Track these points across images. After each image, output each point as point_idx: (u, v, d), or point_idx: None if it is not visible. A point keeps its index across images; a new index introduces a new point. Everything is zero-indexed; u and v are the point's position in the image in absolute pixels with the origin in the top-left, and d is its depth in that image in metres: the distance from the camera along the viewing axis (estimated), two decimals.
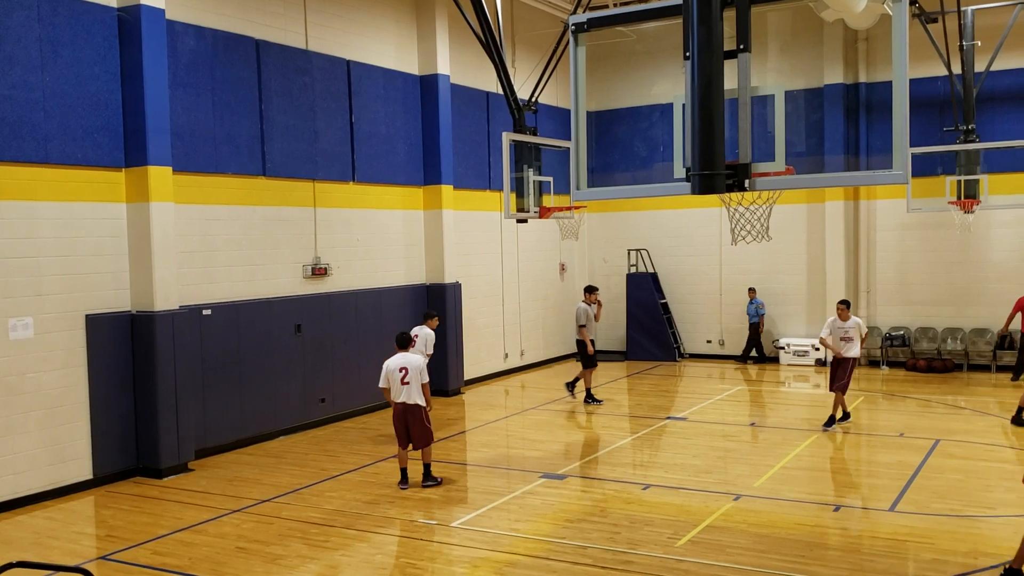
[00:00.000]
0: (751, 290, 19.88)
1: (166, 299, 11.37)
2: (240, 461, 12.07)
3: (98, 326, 10.97)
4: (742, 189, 5.53)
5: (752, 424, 13.88)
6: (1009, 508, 9.29)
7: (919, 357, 18.51)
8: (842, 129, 18.41)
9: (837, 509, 9.47)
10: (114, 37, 11.12)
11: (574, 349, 21.77)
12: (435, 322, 13.32)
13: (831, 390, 13.22)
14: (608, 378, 18.62)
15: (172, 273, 11.47)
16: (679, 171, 5.87)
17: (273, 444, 13.05)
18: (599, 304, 15.69)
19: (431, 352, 12.84)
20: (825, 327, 13.24)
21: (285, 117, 13.66)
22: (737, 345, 20.42)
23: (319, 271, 14.23)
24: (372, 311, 15.29)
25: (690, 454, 11.98)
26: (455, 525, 9.17)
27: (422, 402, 10.43)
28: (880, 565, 7.74)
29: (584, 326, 15.37)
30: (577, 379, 15.98)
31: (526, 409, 15.53)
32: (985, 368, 18.07)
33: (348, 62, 14.85)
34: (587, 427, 14.17)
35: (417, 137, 16.43)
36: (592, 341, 15.50)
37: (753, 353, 20.00)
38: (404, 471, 10.66)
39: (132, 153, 11.24)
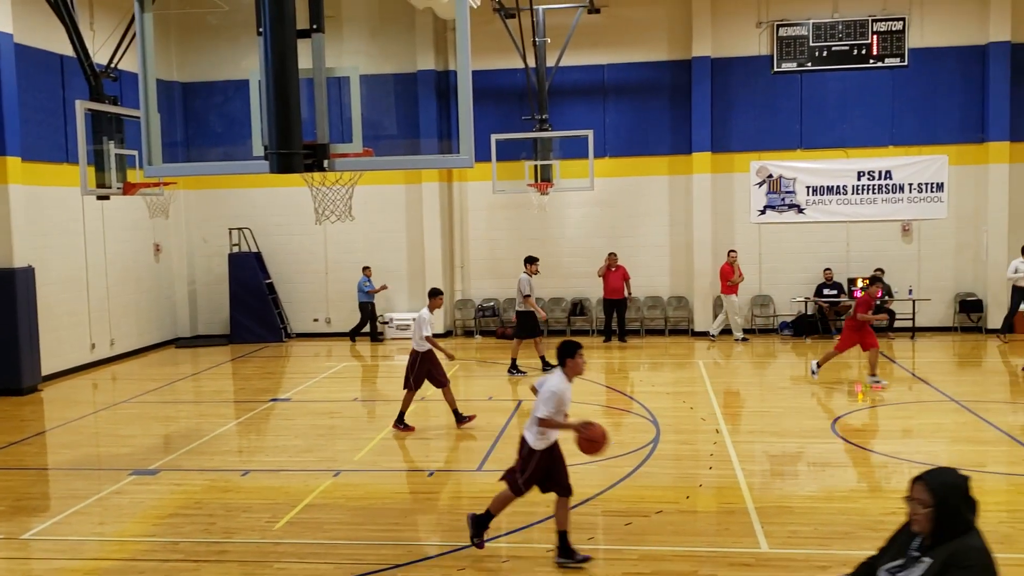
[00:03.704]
0: (366, 268, 20.08)
1: None
2: None
3: None
4: (321, 169, 5.57)
5: (355, 399, 14.15)
6: (577, 458, 10.40)
7: (507, 325, 20.13)
8: (435, 114, 19.32)
9: (431, 474, 10.01)
10: None
11: (174, 335, 20.66)
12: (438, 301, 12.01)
13: None
14: (210, 363, 17.89)
15: None
16: (259, 149, 5.75)
17: None
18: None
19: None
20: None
21: None
22: (343, 322, 20.66)
23: None
24: None
25: (293, 434, 11.93)
26: (27, 536, 8.26)
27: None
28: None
29: (529, 296, 15.50)
30: (541, 356, 15.86)
31: (117, 403, 14.40)
32: (561, 333, 20.16)
33: None
34: (186, 417, 13.48)
35: None
36: (529, 313, 15.60)
37: (367, 329, 20.23)
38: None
39: None
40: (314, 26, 5.40)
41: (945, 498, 3.58)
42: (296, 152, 5.43)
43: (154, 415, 13.48)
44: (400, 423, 11.75)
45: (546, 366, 15.68)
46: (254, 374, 16.74)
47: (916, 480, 3.69)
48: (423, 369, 11.63)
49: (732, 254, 18.68)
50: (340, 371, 16.82)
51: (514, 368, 15.68)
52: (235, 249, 20.52)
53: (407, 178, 20.06)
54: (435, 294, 11.84)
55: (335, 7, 16.02)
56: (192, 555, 7.67)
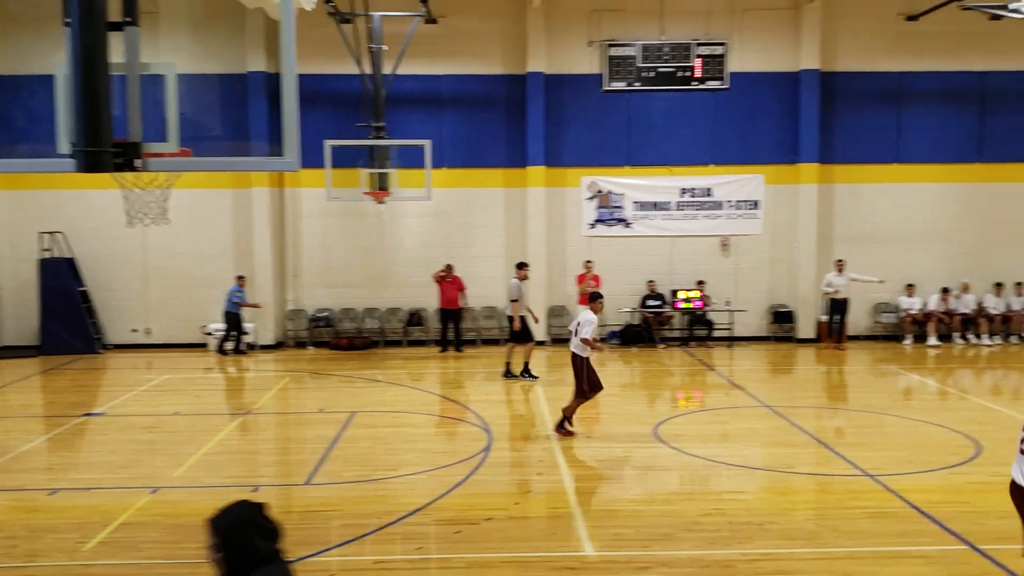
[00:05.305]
0: (240, 277, 19.11)
1: None
2: None
3: None
4: (132, 169, 5.27)
5: (176, 413, 13.50)
6: (409, 468, 10.40)
7: (342, 336, 19.81)
8: (266, 117, 18.70)
9: (256, 489, 9.66)
10: None
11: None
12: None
13: None
14: (17, 375, 16.64)
15: None
16: (65, 146, 5.40)
17: None
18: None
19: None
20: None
21: None
22: (164, 332, 19.74)
23: None
24: None
25: (107, 450, 11.25)
26: None
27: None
28: (294, 537, 8.04)
29: (516, 300, 15.50)
30: (524, 362, 15.73)
31: None
32: (398, 343, 20.03)
33: None
34: None
35: None
36: (522, 317, 15.59)
37: (229, 346, 19.02)
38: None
39: None
40: (127, 19, 5.12)
41: (233, 535, 3.40)
42: (105, 150, 5.12)
43: None
44: (561, 427, 11.73)
45: (526, 374, 15.69)
46: (66, 387, 15.70)
47: (207, 522, 3.47)
48: (593, 373, 11.56)
49: (587, 264, 19.06)
50: (160, 384, 16.00)
51: (508, 373, 15.82)
52: (46, 254, 19.19)
53: (235, 182, 19.39)
54: (596, 297, 11.96)
55: (153, 2, 15.20)
56: None
